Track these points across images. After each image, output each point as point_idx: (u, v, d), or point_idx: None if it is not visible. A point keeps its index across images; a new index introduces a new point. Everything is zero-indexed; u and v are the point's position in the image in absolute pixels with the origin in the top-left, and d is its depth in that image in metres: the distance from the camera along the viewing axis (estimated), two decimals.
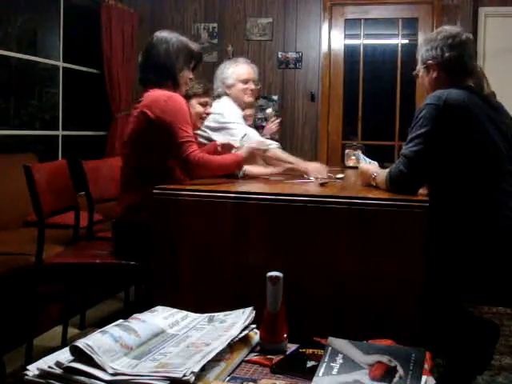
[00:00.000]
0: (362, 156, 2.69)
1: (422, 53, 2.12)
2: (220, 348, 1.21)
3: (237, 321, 1.37)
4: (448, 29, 2.11)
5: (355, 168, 2.93)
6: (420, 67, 2.15)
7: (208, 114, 2.77)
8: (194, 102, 2.74)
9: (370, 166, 2.28)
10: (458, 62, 2.05)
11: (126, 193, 2.32)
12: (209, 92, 2.80)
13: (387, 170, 2.00)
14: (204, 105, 2.75)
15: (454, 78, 2.03)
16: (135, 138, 2.29)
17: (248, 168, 2.53)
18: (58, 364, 1.11)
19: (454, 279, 1.93)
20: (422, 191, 1.99)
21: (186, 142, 2.19)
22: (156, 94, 2.26)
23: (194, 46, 2.43)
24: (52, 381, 1.10)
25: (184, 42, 2.38)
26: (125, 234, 2.35)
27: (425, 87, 2.18)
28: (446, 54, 2.04)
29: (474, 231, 1.91)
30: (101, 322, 2.68)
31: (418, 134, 1.91)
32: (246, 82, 3.04)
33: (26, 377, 1.11)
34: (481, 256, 1.90)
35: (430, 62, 2.08)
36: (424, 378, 1.15)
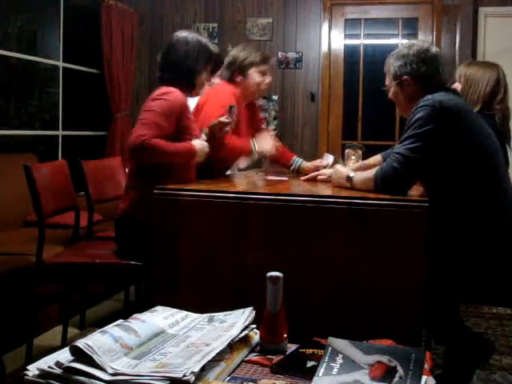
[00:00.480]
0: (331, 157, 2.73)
1: (395, 68, 2.10)
2: (220, 348, 1.21)
3: (237, 321, 1.37)
4: (419, 43, 2.13)
5: None
6: (392, 83, 2.13)
7: (267, 84, 2.69)
8: (252, 71, 2.65)
9: (344, 167, 2.28)
10: (433, 76, 2.05)
11: (133, 189, 2.31)
12: (267, 60, 2.71)
13: (374, 170, 1.97)
14: (264, 73, 2.67)
15: (428, 91, 2.01)
16: None
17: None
18: (58, 364, 1.11)
19: (454, 279, 1.93)
20: (418, 187, 1.99)
21: (143, 123, 2.12)
22: (160, 88, 2.26)
23: (214, 48, 2.42)
24: (52, 381, 1.10)
25: (204, 45, 2.37)
26: (127, 230, 2.35)
27: (398, 102, 2.16)
28: (422, 69, 2.05)
29: (474, 231, 1.91)
30: (101, 322, 2.68)
31: (415, 133, 1.89)
32: None
33: (26, 377, 1.11)
34: (481, 256, 1.90)
35: (405, 77, 2.07)
36: (424, 378, 1.15)
